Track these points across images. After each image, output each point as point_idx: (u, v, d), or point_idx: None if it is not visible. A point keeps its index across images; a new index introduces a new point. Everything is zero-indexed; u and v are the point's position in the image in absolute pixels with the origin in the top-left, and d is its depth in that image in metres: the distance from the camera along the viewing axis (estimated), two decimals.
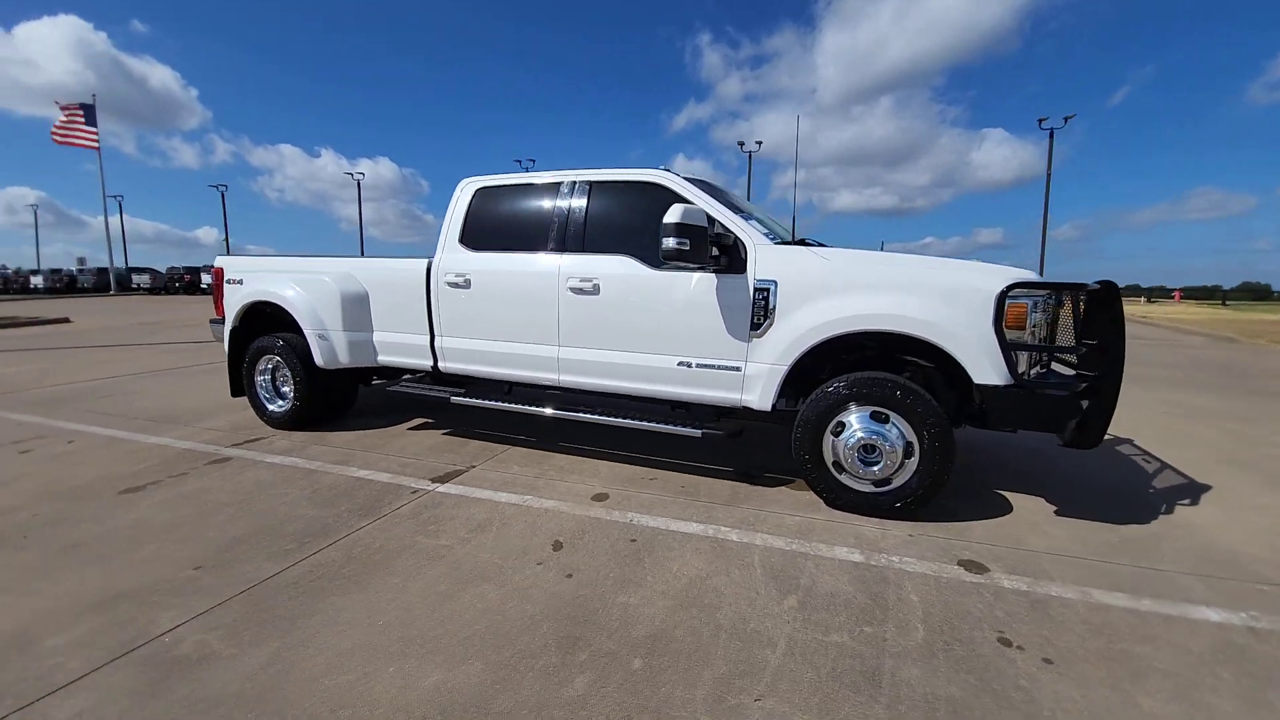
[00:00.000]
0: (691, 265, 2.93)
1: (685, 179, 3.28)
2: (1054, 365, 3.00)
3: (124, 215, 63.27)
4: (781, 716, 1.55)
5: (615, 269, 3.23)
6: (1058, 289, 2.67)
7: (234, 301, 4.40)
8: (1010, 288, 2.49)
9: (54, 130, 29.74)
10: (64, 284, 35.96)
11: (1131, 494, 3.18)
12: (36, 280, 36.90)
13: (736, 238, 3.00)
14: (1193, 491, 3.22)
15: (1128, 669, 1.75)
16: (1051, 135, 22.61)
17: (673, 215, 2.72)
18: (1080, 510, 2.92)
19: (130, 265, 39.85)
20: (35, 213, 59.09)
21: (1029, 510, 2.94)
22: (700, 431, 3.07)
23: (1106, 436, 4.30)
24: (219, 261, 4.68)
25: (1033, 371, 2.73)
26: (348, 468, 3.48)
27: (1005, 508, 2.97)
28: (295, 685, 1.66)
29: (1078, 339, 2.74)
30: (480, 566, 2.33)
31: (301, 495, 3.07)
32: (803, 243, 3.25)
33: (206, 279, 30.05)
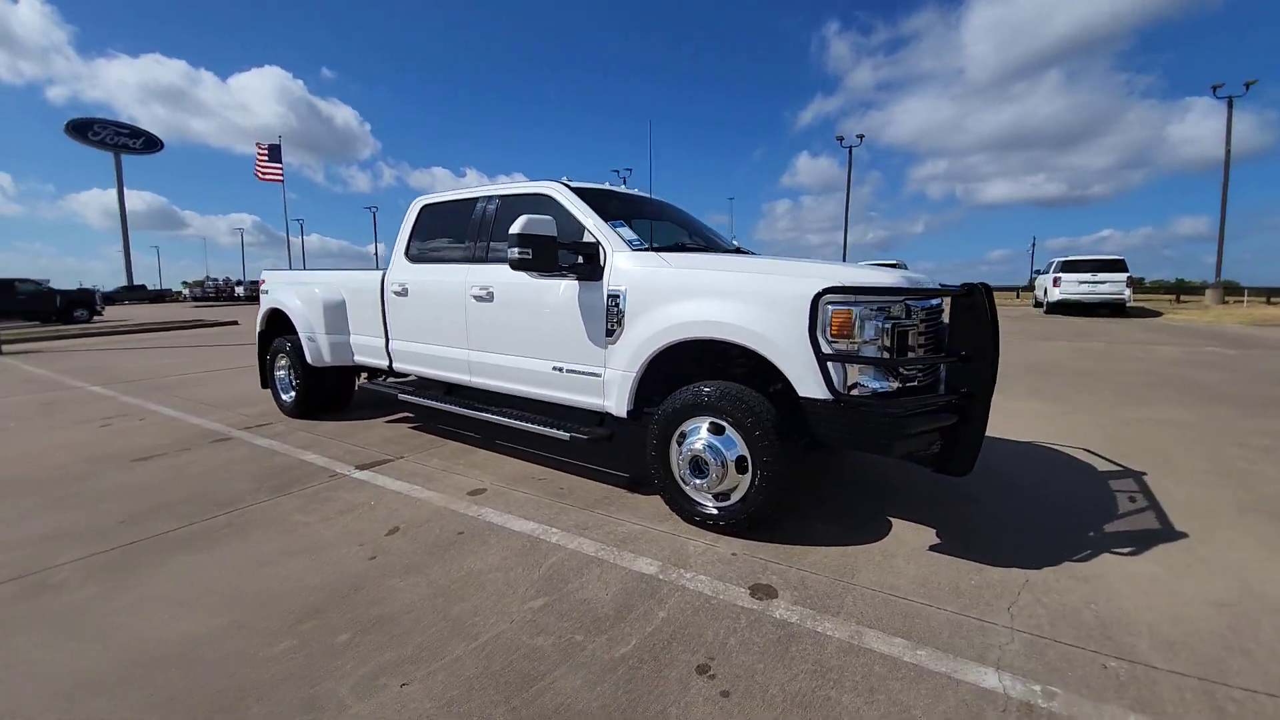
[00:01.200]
0: (545, 273, 3.03)
1: (574, 188, 3.37)
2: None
3: (313, 234, 76.58)
4: (411, 702, 1.64)
5: (505, 277, 3.41)
6: (892, 294, 2.36)
7: (262, 308, 5.26)
8: (824, 292, 2.27)
9: (257, 168, 36.49)
10: (259, 292, 44.10)
11: (1062, 536, 2.68)
12: (240, 290, 45.65)
13: (599, 245, 3.03)
14: (1151, 540, 2.63)
15: (807, 717, 1.57)
16: (1230, 105, 18.42)
17: (515, 226, 2.85)
18: (966, 548, 2.54)
19: None
20: (241, 234, 74.45)
21: (901, 541, 2.62)
22: (569, 435, 3.14)
23: (1116, 466, 3.61)
24: (262, 274, 5.61)
25: (892, 385, 2.43)
26: (304, 452, 4.04)
27: (876, 535, 2.67)
28: (95, 616, 2.08)
29: (945, 351, 2.41)
30: (313, 542, 2.65)
31: (249, 472, 3.64)
32: (682, 248, 3.19)
33: None
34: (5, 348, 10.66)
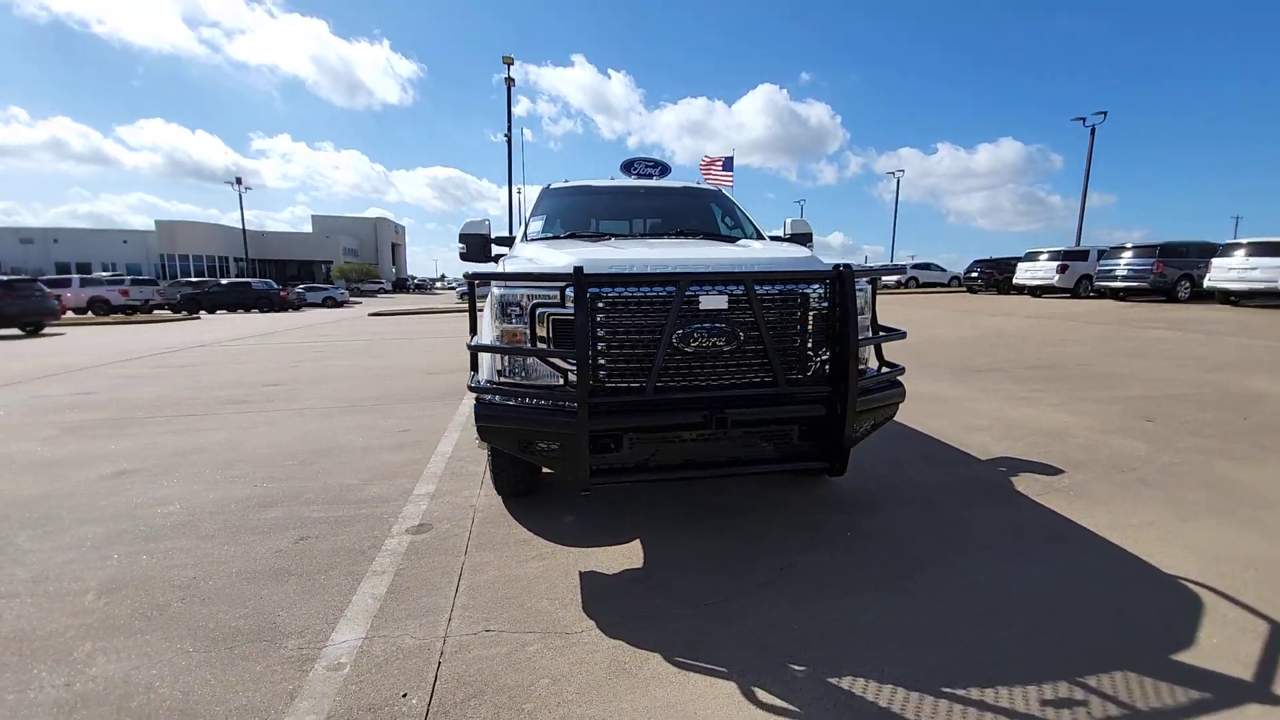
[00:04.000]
0: (481, 262, 3.80)
1: (554, 189, 4.01)
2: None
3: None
4: (225, 486, 3.07)
5: None
6: (531, 280, 2.12)
7: None
8: (472, 276, 2.32)
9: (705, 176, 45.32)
10: None
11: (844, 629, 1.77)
12: None
13: (514, 236, 3.62)
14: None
15: (275, 574, 2.17)
16: None
17: (462, 228, 3.76)
18: (618, 595, 2.10)
19: None
20: None
21: (585, 555, 2.34)
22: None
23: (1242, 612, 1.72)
24: None
25: (557, 381, 2.23)
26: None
27: (589, 543, 2.46)
28: (288, 424, 4.41)
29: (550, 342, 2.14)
30: (378, 427, 4.41)
31: (440, 390, 5.84)
32: (685, 234, 3.51)
33: None
34: None
